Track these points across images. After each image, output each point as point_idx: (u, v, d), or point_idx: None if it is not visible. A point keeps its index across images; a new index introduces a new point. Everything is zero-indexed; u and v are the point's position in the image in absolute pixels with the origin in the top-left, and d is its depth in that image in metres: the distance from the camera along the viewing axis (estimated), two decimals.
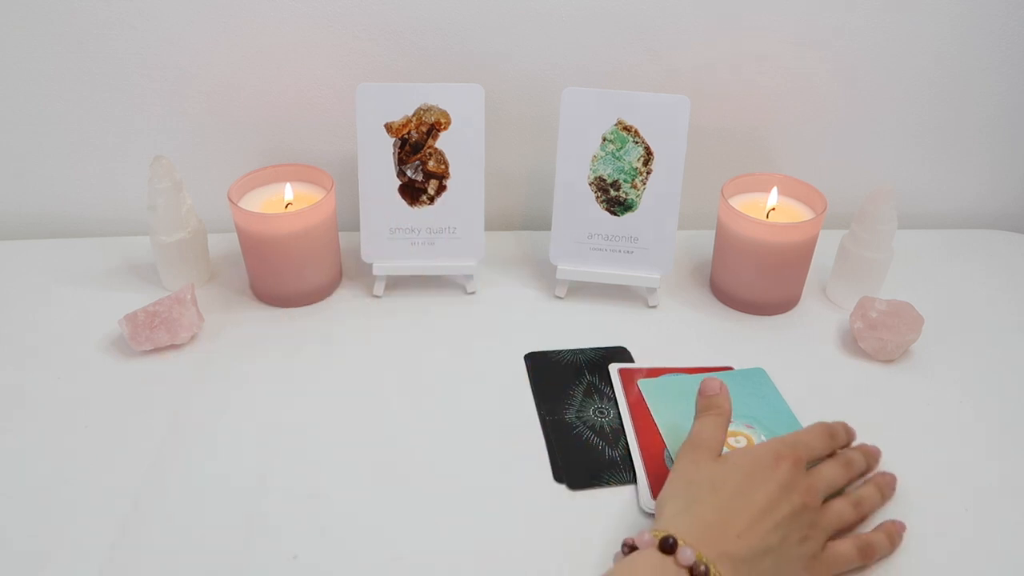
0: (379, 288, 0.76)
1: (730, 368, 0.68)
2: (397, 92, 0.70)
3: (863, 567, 0.52)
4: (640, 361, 0.69)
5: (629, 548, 0.48)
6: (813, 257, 0.74)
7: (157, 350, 0.69)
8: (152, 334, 0.67)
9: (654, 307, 0.76)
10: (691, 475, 0.53)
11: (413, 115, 0.71)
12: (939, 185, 0.89)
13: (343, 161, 0.82)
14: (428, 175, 0.73)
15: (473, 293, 0.77)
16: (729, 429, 0.59)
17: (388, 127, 0.71)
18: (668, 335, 0.72)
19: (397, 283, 0.77)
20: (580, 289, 0.77)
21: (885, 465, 0.59)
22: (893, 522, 0.55)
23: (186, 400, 0.64)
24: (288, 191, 0.74)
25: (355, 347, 0.70)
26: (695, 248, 0.83)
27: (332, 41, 0.77)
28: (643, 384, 0.66)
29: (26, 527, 0.54)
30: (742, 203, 0.74)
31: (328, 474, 0.58)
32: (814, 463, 0.55)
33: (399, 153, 0.72)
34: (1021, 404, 0.66)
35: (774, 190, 0.74)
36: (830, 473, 0.55)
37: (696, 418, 0.57)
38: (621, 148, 0.71)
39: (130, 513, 0.55)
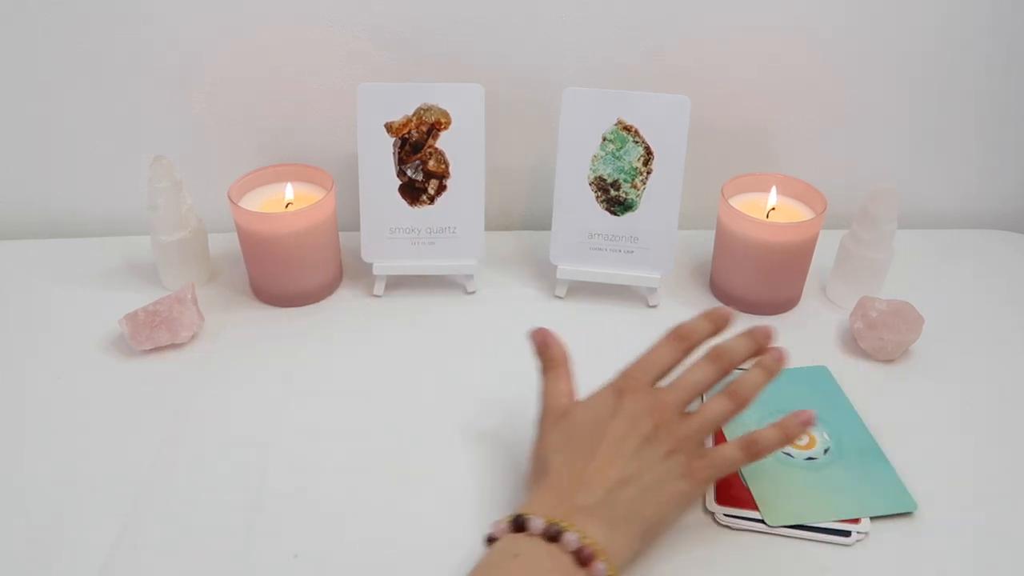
0: (379, 288, 0.76)
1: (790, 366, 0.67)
2: (397, 92, 0.70)
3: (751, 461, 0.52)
4: None
5: (489, 540, 0.48)
6: (813, 257, 0.74)
7: (157, 350, 0.69)
8: (152, 333, 0.67)
9: (654, 307, 0.76)
10: (540, 447, 0.53)
11: (413, 115, 0.71)
12: (939, 185, 0.89)
13: (343, 161, 0.82)
14: (428, 175, 0.73)
15: (473, 293, 0.77)
16: None
17: (388, 127, 0.71)
18: None
19: (397, 283, 0.77)
20: (580, 289, 0.77)
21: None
22: (798, 412, 0.52)
23: (186, 400, 0.64)
24: (288, 191, 0.74)
25: (355, 347, 0.70)
26: (695, 248, 0.83)
27: (332, 41, 0.77)
28: None
29: (26, 527, 0.54)
30: (742, 203, 0.74)
31: (328, 473, 0.58)
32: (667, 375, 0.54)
33: (399, 153, 0.72)
34: (1021, 404, 0.66)
35: (773, 189, 0.74)
36: (688, 378, 0.53)
37: (541, 379, 0.56)
38: (621, 148, 0.71)
39: (130, 513, 0.55)
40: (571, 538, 0.45)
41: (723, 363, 0.54)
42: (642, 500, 0.49)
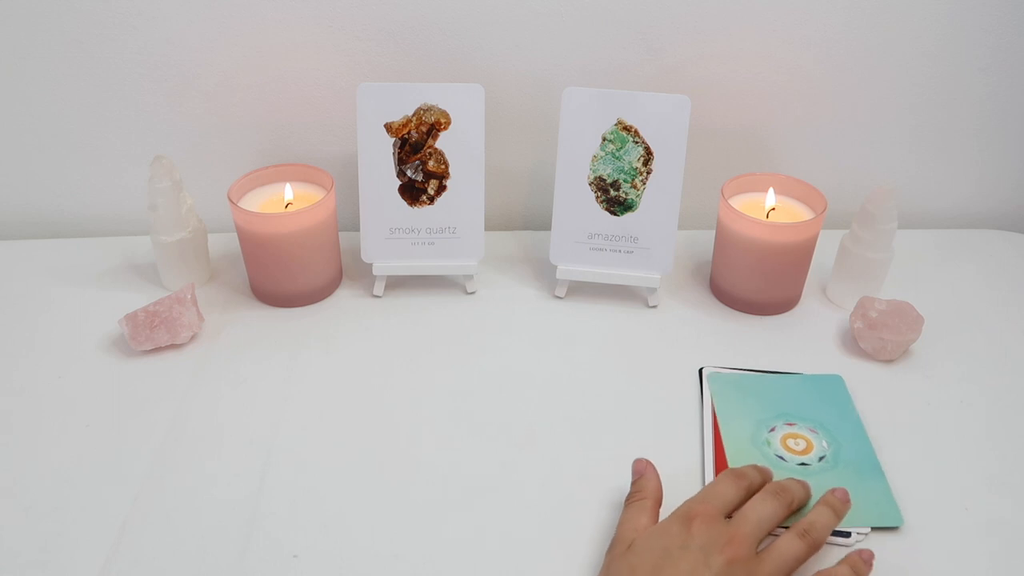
0: (379, 288, 0.76)
1: (800, 373, 0.67)
2: (397, 92, 0.70)
3: None
4: (642, 361, 0.69)
5: None
6: (813, 257, 0.74)
7: (157, 350, 0.69)
8: (152, 334, 0.67)
9: (654, 307, 0.76)
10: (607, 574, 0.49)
11: (413, 115, 0.71)
12: (939, 185, 0.89)
13: (343, 161, 0.82)
14: (428, 175, 0.73)
15: (473, 293, 0.77)
16: (792, 431, 0.60)
17: (388, 127, 0.71)
18: (668, 335, 0.72)
19: (397, 283, 0.77)
20: (580, 289, 0.77)
21: (886, 468, 0.59)
22: (860, 552, 0.51)
23: (186, 400, 0.64)
24: (288, 191, 0.74)
25: (355, 347, 0.70)
26: (695, 248, 0.83)
27: (332, 41, 0.77)
28: (709, 376, 0.66)
29: (26, 527, 0.54)
30: (742, 203, 0.74)
31: (328, 473, 0.58)
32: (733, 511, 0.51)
33: (399, 153, 0.72)
34: (1021, 404, 0.66)
35: (770, 190, 0.74)
36: (758, 511, 0.50)
37: (624, 507, 0.53)
38: (621, 148, 0.71)
39: (130, 512, 0.55)
40: None
41: (786, 498, 0.52)
42: None
